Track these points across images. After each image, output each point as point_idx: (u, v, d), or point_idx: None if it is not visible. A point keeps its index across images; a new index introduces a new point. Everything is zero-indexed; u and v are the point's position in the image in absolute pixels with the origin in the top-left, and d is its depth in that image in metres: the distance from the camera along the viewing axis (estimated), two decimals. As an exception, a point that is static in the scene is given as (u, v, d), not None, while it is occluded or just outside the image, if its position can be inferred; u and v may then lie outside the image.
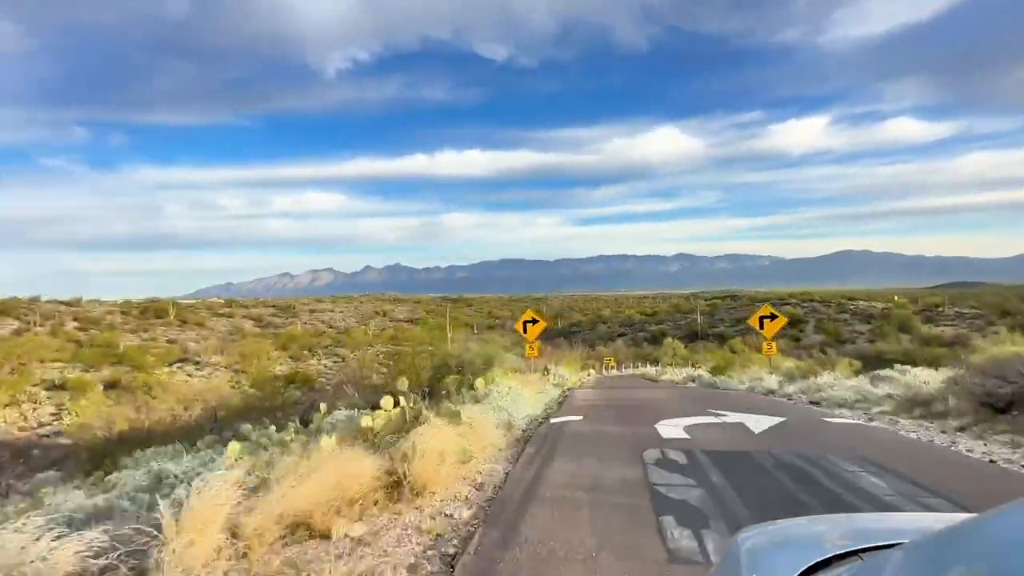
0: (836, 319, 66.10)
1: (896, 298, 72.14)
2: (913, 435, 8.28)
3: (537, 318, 17.04)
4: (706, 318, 79.52)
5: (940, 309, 61.53)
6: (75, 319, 61.90)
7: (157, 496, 4.10)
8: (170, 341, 59.61)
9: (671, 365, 55.89)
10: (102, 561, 3.09)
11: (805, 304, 76.50)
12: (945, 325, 56.37)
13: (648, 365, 50.60)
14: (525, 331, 16.60)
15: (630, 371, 47.50)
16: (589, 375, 33.56)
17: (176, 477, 5.43)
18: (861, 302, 72.72)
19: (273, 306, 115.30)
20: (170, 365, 29.03)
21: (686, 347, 55.16)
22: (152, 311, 72.20)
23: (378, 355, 30.48)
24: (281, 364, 34.45)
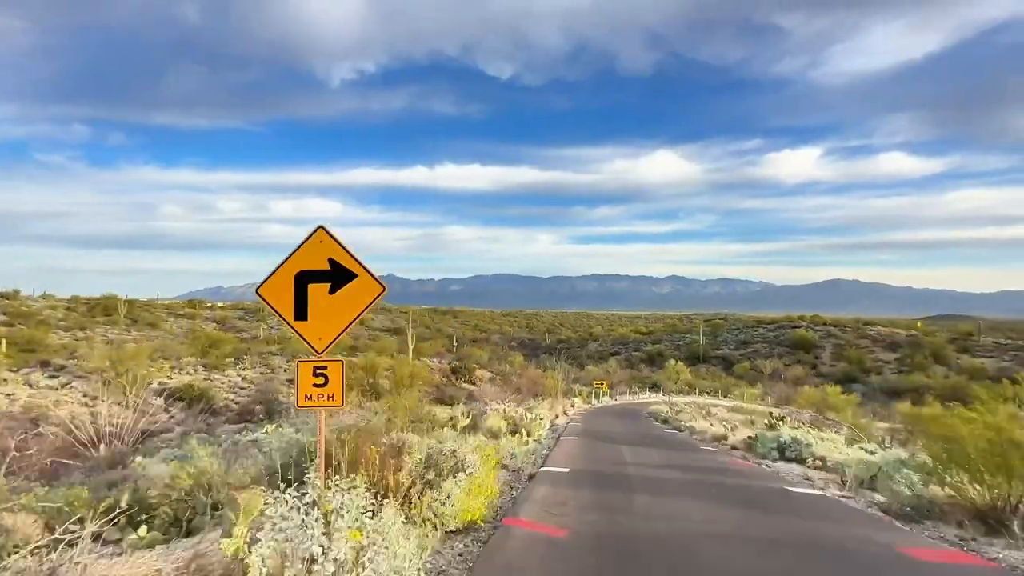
0: (855, 345, 60.00)
1: (919, 324, 66.51)
2: None
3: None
4: (708, 339, 73.25)
5: (974, 339, 55.72)
6: (4, 313, 55.54)
7: None
8: (108, 342, 52.82)
9: (675, 392, 49.32)
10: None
11: (818, 328, 70.32)
12: (984, 356, 50.50)
13: (648, 391, 44.64)
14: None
15: (626, 398, 40.79)
16: (572, 406, 27.25)
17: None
18: (881, 328, 66.73)
19: (243, 308, 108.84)
20: (16, 370, 22.48)
21: (690, 371, 48.88)
22: (100, 309, 65.47)
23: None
24: (185, 374, 27.93)
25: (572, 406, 26.93)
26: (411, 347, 41.88)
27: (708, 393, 45.24)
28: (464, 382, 40.54)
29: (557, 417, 20.18)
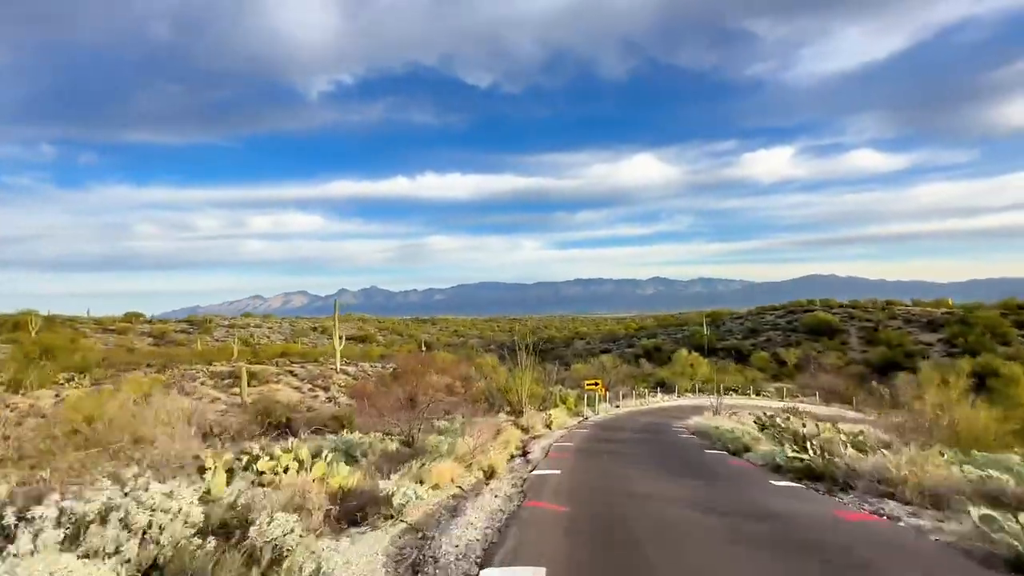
0: (887, 326, 51.17)
1: (950, 302, 58.48)
2: None
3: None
4: (712, 330, 63.89)
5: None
6: None
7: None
8: None
9: (689, 392, 39.51)
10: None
11: (835, 311, 61.42)
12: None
13: (659, 393, 34.75)
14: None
15: (630, 403, 29.86)
16: (549, 425, 17.07)
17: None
18: (913, 307, 58.05)
19: (188, 322, 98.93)
20: None
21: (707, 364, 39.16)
22: (10, 326, 54.39)
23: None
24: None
25: (548, 425, 16.48)
26: (337, 347, 31.49)
27: (735, 391, 35.83)
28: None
29: (490, 479, 8.98)
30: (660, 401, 32.36)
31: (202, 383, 26.03)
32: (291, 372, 28.45)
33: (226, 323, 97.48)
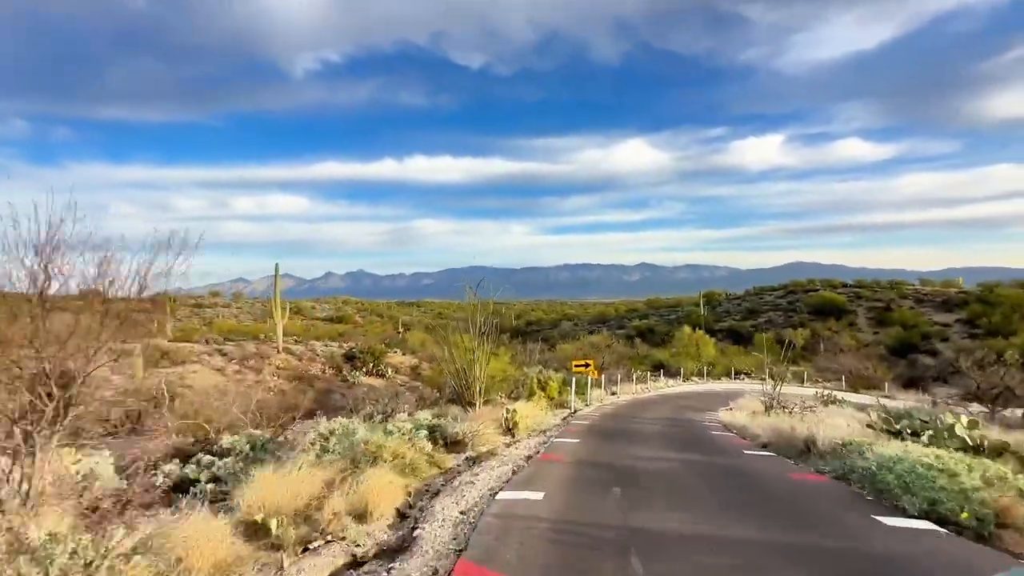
0: (899, 305, 47.61)
1: (960, 281, 55.28)
2: None
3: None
4: (708, 311, 59.98)
5: None
6: None
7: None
8: None
9: (696, 376, 35.04)
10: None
11: (838, 291, 57.81)
12: None
13: (664, 377, 29.01)
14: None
15: (633, 391, 24.98)
16: (511, 425, 11.31)
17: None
18: (923, 287, 54.53)
19: (150, 300, 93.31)
20: None
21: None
22: None
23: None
24: None
25: (509, 430, 10.76)
26: (279, 321, 26.64)
27: (746, 375, 31.90)
28: (366, 374, 25.56)
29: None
30: (664, 386, 27.99)
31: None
32: (221, 351, 23.58)
33: (191, 303, 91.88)
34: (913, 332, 39.07)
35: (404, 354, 32.27)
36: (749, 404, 16.72)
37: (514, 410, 10.80)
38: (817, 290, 56.91)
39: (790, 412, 13.28)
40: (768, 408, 13.84)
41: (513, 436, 10.68)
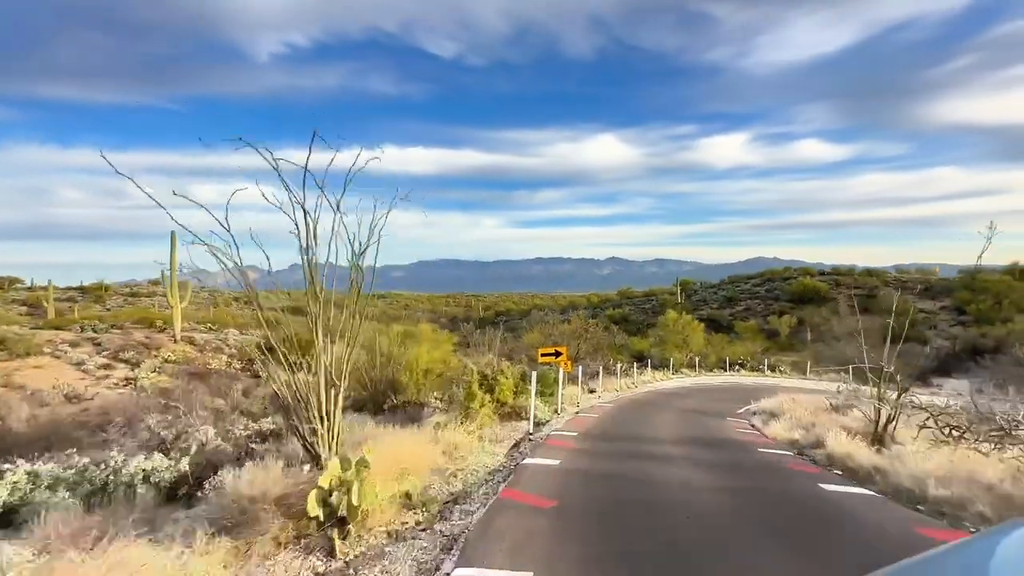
0: (879, 293, 45.73)
1: (937, 269, 54.19)
2: None
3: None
4: (684, 300, 57.19)
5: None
6: None
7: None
8: None
9: (686, 368, 31.03)
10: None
11: (815, 278, 55.83)
12: None
13: (648, 370, 25.66)
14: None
15: (617, 388, 20.20)
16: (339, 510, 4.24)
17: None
18: (904, 275, 52.93)
19: (80, 289, 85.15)
20: None
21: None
22: None
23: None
24: None
25: (330, 519, 4.20)
26: (177, 307, 21.58)
27: (739, 366, 28.52)
28: (290, 369, 20.87)
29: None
30: (652, 380, 23.96)
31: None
32: (93, 340, 18.47)
33: (127, 291, 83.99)
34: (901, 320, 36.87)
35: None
36: (797, 411, 13.05)
37: (360, 462, 4.36)
38: (796, 278, 54.89)
39: (956, 439, 8.04)
40: (876, 435, 8.62)
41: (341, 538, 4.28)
